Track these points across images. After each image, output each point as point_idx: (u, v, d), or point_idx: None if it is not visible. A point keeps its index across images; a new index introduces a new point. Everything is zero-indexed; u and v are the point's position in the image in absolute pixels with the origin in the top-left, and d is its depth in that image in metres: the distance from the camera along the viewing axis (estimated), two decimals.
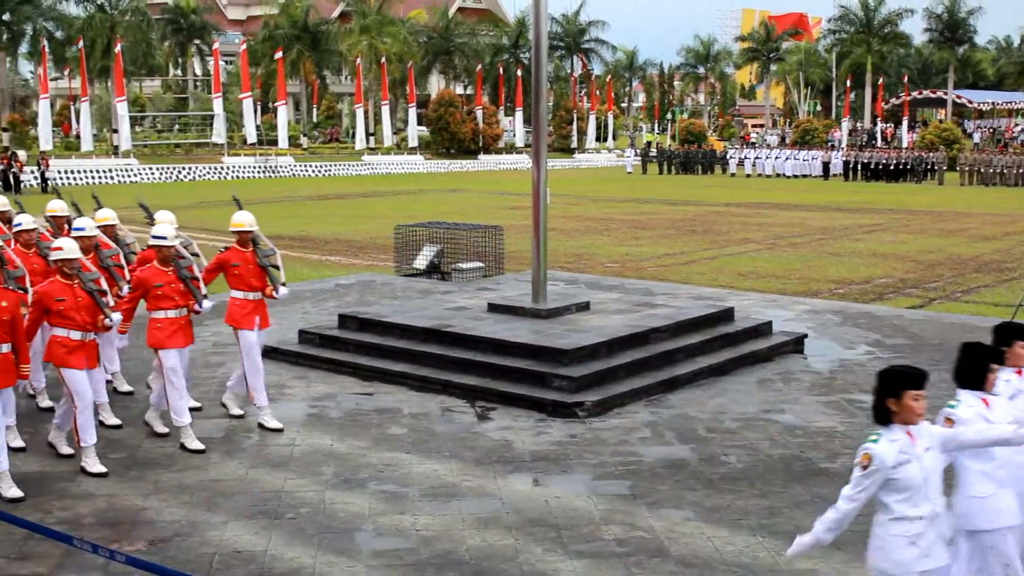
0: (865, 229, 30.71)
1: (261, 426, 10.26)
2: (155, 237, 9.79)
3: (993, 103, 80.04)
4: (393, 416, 10.79)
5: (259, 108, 72.36)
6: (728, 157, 68.08)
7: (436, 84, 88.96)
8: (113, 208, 11.59)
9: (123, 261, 10.95)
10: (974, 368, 5.98)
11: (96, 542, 6.82)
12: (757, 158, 64.86)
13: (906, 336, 14.85)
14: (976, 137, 73.49)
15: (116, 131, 57.45)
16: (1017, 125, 75.33)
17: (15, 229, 10.88)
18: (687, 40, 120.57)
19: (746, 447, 9.79)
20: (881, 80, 77.13)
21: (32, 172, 47.82)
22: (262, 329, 10.56)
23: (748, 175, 62.94)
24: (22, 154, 49.90)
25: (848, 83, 77.86)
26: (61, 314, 8.93)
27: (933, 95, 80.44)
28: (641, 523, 7.97)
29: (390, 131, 69.05)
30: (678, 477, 8.97)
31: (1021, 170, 54.08)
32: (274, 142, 62.15)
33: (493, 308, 13.46)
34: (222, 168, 57.75)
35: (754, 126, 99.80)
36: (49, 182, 46.70)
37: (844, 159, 60.76)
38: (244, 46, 61.98)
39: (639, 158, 70.66)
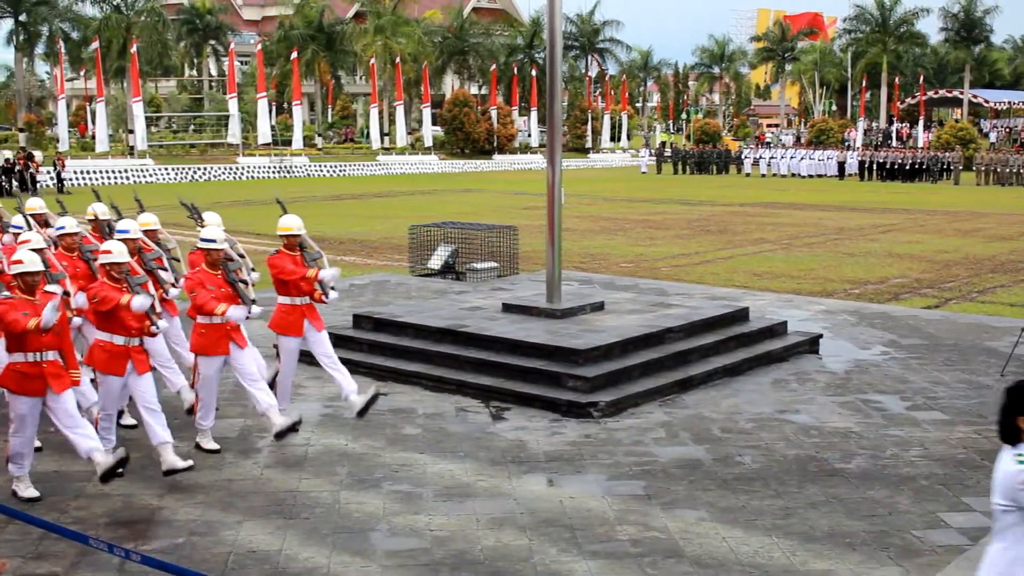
0: (881, 229, 30.60)
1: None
2: (204, 240, 9.53)
3: (1009, 103, 79.67)
4: (407, 416, 10.80)
5: (274, 108, 72.54)
6: (743, 157, 67.94)
7: (451, 84, 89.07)
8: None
9: (166, 264, 10.72)
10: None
11: (112, 541, 6.84)
12: (772, 158, 64.65)
13: (922, 336, 14.79)
14: (992, 137, 73.15)
15: (132, 131, 57.66)
16: None
17: (58, 232, 10.58)
18: (702, 40, 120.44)
19: (761, 447, 9.77)
20: (897, 80, 76.83)
21: (48, 172, 48.02)
22: (319, 332, 10.18)
23: (763, 175, 62.76)
24: (38, 154, 50.12)
25: (863, 83, 77.66)
26: (109, 318, 8.73)
27: (949, 95, 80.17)
28: (656, 523, 7.95)
29: (404, 131, 69.11)
30: (693, 477, 8.96)
31: None
32: (289, 142, 62.30)
33: (508, 308, 13.46)
34: (237, 168, 57.91)
35: (769, 126, 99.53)
36: (65, 182, 46.99)
37: (859, 159, 60.53)
38: (259, 46, 62.21)
39: (653, 158, 70.54)
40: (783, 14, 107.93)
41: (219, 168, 57.37)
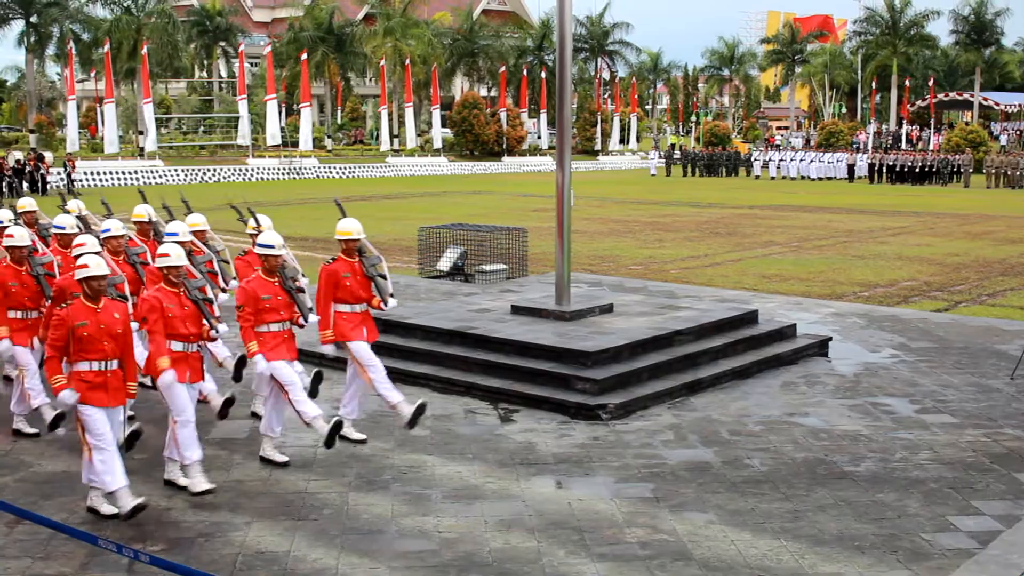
0: (890, 232, 30.54)
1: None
2: (261, 246, 9.23)
3: (1020, 105, 79.48)
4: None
5: (284, 110, 72.62)
6: (752, 159, 67.85)
7: (460, 86, 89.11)
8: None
9: (216, 268, 10.50)
10: None
11: (121, 542, 6.85)
12: (782, 160, 64.58)
13: (931, 339, 14.76)
14: (1003, 139, 73.02)
15: (141, 133, 57.80)
16: None
17: (103, 235, 10.15)
18: (711, 42, 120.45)
19: (769, 450, 9.75)
20: (907, 82, 76.73)
21: (58, 173, 48.16)
22: (370, 342, 9.87)
23: (772, 177, 62.69)
24: (48, 155, 50.26)
25: (873, 85, 77.55)
26: (167, 324, 8.45)
27: (959, 97, 79.99)
28: (664, 526, 7.95)
29: (414, 133, 69.13)
30: (701, 480, 8.95)
31: None
32: (298, 144, 62.41)
33: (517, 310, 13.46)
34: (247, 170, 58.03)
35: (779, 128, 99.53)
36: (75, 183, 47.08)
37: (869, 161, 60.45)
38: (269, 48, 62.22)
39: (663, 160, 70.53)
40: (793, 16, 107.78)
41: (229, 170, 57.47)
